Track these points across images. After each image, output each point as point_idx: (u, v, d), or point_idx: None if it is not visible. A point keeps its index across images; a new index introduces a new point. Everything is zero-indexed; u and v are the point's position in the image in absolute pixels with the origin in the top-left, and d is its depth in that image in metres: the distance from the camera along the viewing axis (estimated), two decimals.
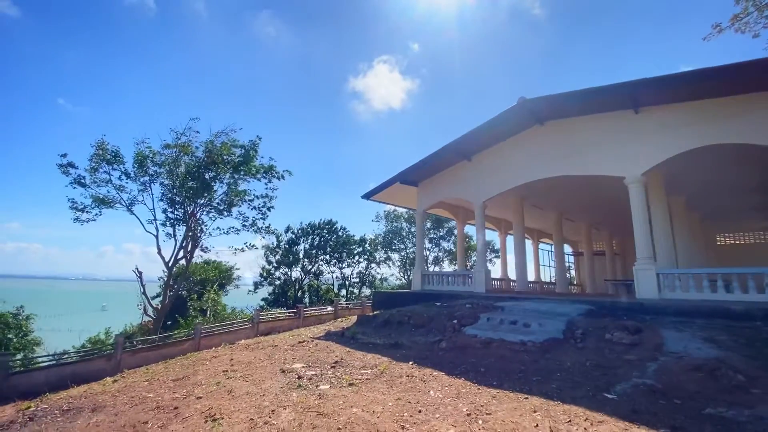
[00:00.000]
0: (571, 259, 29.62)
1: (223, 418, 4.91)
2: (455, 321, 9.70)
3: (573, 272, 30.92)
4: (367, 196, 17.57)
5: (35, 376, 12.33)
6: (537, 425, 4.13)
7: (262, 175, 22.74)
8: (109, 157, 18.97)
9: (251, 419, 4.79)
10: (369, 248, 42.61)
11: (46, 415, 5.89)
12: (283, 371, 7.01)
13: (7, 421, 5.85)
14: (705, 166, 11.52)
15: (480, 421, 4.31)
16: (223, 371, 7.42)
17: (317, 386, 6.01)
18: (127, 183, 19.69)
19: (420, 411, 4.74)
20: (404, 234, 41.78)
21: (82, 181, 18.42)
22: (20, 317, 25.39)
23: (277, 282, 38.33)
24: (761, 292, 8.32)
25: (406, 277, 41.16)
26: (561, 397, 5.00)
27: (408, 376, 6.36)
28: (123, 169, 19.57)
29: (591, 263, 22.40)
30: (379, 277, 43.16)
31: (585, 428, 4.02)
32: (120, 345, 13.76)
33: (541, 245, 26.52)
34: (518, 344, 7.43)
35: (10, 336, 25.44)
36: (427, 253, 42.78)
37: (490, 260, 42.32)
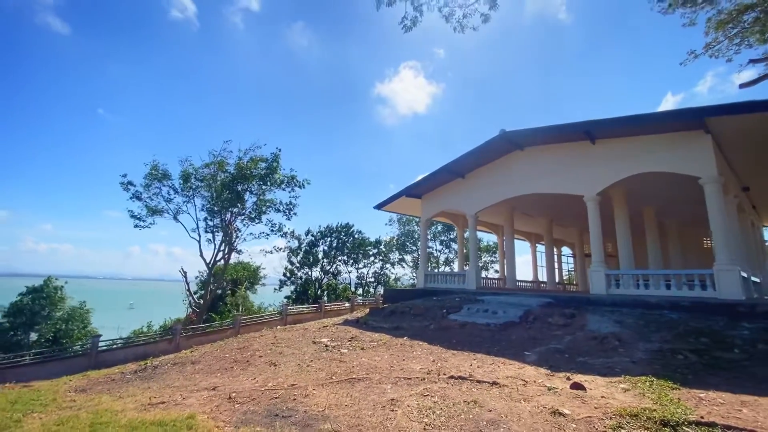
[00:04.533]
0: (571, 260, 31.70)
1: (279, 365, 7.80)
2: (444, 310, 12.42)
3: (572, 272, 33.04)
4: (378, 207, 20.38)
5: (117, 353, 15.80)
6: (471, 365, 6.86)
7: (285, 184, 26.02)
8: (159, 175, 22.47)
9: (298, 364, 7.66)
10: (384, 250, 45.53)
11: (161, 366, 8.93)
12: (314, 342, 9.89)
13: (136, 369, 8.91)
14: (663, 183, 13.62)
15: (438, 364, 7.06)
16: (271, 343, 10.36)
17: (339, 350, 8.85)
18: (174, 196, 23.18)
19: (404, 360, 7.52)
20: (416, 237, 44.40)
21: (139, 195, 21.94)
22: (83, 310, 29.43)
23: (299, 281, 41.67)
24: (679, 289, 10.70)
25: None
26: (496, 354, 7.70)
27: (401, 345, 9.14)
28: (171, 185, 23.06)
29: (582, 264, 24.60)
30: (393, 276, 46.06)
31: (498, 366, 6.73)
32: (178, 331, 17.13)
33: (540, 247, 28.76)
34: (484, 325, 10.11)
35: (73, 327, 29.51)
36: (438, 254, 45.41)
37: (497, 261, 44.68)
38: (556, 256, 27.47)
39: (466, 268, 18.95)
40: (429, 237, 41.33)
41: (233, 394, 5.85)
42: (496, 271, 41.66)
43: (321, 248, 42.69)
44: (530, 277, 26.15)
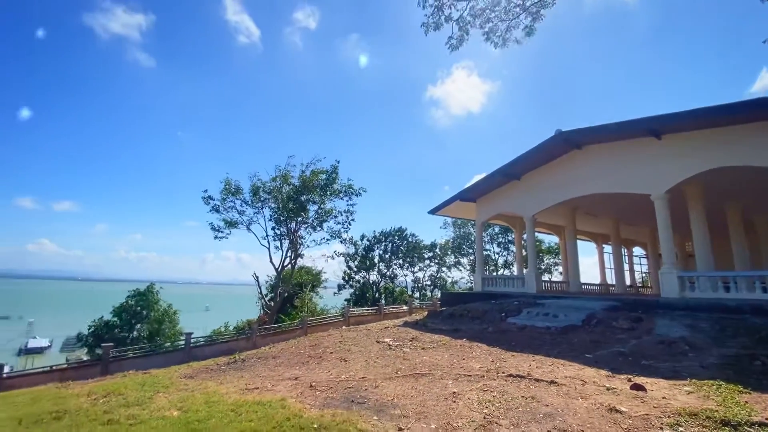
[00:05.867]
0: (645, 261, 29.48)
1: (349, 361, 8.64)
2: (503, 314, 12.57)
3: (646, 274, 30.65)
4: (433, 212, 20.82)
5: (205, 349, 17.81)
6: (529, 365, 7.13)
7: (343, 194, 27.44)
8: (233, 189, 24.91)
9: (366, 361, 8.44)
10: (439, 253, 45.62)
11: (248, 359, 10.24)
12: (378, 342, 10.65)
13: (228, 362, 10.30)
14: (751, 176, 12.32)
15: (497, 364, 7.41)
16: (339, 342, 11.30)
17: (401, 349, 9.51)
18: (245, 208, 25.55)
19: (463, 359, 7.97)
20: (472, 240, 43.85)
21: (217, 208, 24.54)
22: (171, 312, 33.29)
23: (357, 285, 43.25)
24: (764, 291, 9.87)
25: None
26: (555, 356, 7.85)
27: (461, 346, 9.56)
28: (243, 198, 25.45)
29: (656, 265, 22.89)
30: (450, 280, 45.96)
31: (557, 367, 6.93)
32: (255, 330, 18.90)
33: (608, 248, 27.18)
34: (544, 329, 10.17)
35: (165, 327, 33.42)
36: (496, 257, 44.46)
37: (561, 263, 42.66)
38: (626, 257, 25.81)
39: (525, 271, 18.68)
40: (485, 240, 40.75)
41: (313, 384, 6.75)
42: (561, 273, 39.95)
43: (377, 252, 43.93)
44: (598, 280, 24.86)
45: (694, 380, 5.80)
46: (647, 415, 4.51)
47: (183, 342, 17.75)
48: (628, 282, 23.99)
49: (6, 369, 13.77)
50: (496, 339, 10.05)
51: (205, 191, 24.61)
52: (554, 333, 9.81)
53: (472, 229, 43.17)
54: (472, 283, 42.58)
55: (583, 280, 20.03)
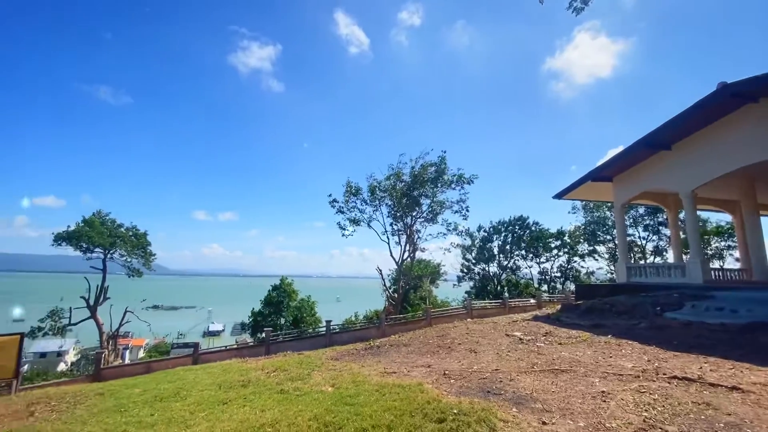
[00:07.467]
0: None
1: (479, 352, 8.62)
2: (658, 308, 10.83)
3: None
4: (559, 196, 19.03)
5: (342, 335, 19.75)
6: (700, 368, 6.03)
7: (454, 184, 27.20)
8: (353, 191, 26.99)
9: (497, 353, 8.30)
10: (568, 241, 41.41)
11: (382, 346, 11.09)
12: (507, 335, 10.33)
13: (365, 348, 11.33)
14: None
15: (655, 364, 6.47)
16: (465, 333, 11.33)
17: (535, 343, 9.05)
18: (365, 207, 27.43)
19: (610, 357, 7.18)
20: (609, 224, 38.56)
21: (342, 209, 26.95)
22: (309, 302, 37.97)
23: (476, 277, 42.26)
24: None
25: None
26: (736, 359, 6.45)
27: (605, 342, 8.61)
28: (362, 198, 27.37)
29: None
30: (584, 271, 41.27)
31: (740, 371, 5.71)
32: (383, 319, 20.20)
33: None
34: (717, 325, 8.43)
35: (304, 314, 38.21)
36: (643, 242, 38.22)
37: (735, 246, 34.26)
38: None
39: (686, 257, 15.66)
40: (628, 223, 35.36)
41: (446, 372, 6.96)
42: (737, 260, 32.22)
43: (495, 243, 42.17)
44: None
45: None
46: None
47: (323, 328, 20.06)
48: None
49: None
50: (651, 336, 8.73)
51: (330, 195, 27.30)
52: (732, 331, 8.05)
53: (608, 213, 38.01)
54: (612, 273, 37.49)
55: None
